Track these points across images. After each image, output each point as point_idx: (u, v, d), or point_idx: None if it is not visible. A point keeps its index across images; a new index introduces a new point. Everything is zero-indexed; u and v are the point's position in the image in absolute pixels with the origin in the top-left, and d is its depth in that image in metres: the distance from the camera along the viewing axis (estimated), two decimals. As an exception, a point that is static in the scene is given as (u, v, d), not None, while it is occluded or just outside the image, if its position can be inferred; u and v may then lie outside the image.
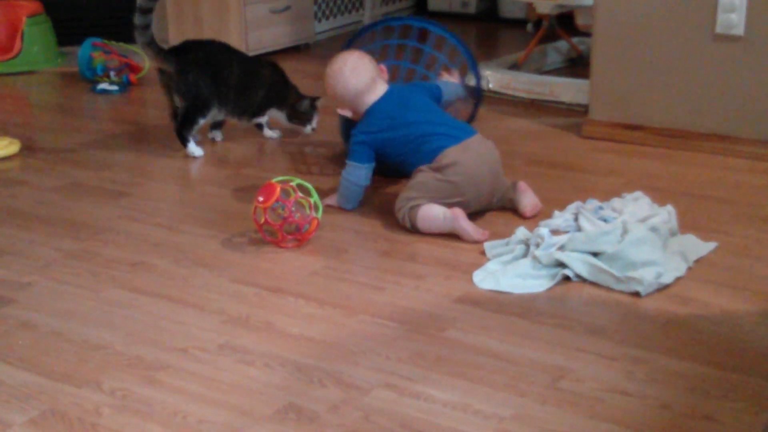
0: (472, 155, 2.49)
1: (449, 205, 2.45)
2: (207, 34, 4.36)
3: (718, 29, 2.93)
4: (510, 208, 2.59)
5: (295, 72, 4.18)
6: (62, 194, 2.81)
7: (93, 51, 3.97)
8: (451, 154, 2.48)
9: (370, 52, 2.72)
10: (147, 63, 4.05)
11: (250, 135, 3.38)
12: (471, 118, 3.07)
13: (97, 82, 3.93)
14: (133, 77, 3.97)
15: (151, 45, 3.04)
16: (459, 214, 2.42)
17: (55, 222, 2.61)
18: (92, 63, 3.96)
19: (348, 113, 2.65)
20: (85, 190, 2.84)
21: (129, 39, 4.46)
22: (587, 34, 3.87)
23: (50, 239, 2.49)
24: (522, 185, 2.58)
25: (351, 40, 3.04)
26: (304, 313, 2.09)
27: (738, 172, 2.87)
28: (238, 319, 2.06)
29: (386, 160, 2.63)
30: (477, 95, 3.11)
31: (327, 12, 4.79)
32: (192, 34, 4.39)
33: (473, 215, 2.50)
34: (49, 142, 3.28)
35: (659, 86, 3.08)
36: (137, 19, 2.99)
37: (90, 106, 3.81)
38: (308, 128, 3.22)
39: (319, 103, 3.22)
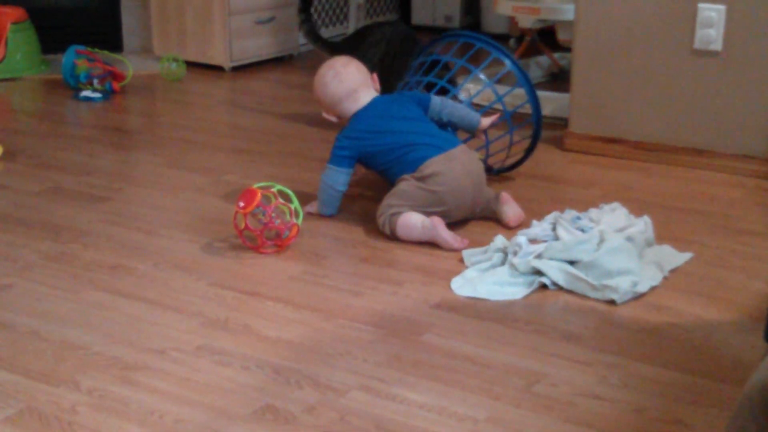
0: (455, 166, 2.51)
1: (429, 214, 2.47)
2: (191, 44, 4.38)
3: (697, 44, 2.97)
4: (493, 218, 2.61)
5: (279, 83, 4.21)
6: (43, 198, 2.81)
7: (77, 58, 3.98)
8: (434, 164, 2.50)
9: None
10: (130, 71, 4.06)
11: (232, 141, 3.40)
12: (529, 151, 2.96)
13: (80, 90, 3.93)
14: (116, 85, 3.98)
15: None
16: (438, 222, 2.44)
17: (36, 225, 2.61)
18: (76, 70, 3.96)
19: (333, 118, 2.68)
20: (66, 194, 2.85)
21: (113, 47, 4.49)
22: (568, 49, 3.91)
23: (30, 242, 2.50)
24: (505, 196, 2.61)
25: (427, 46, 3.06)
26: (282, 317, 2.10)
27: (714, 185, 2.91)
28: (216, 322, 2.07)
29: (371, 169, 2.66)
30: (535, 127, 2.93)
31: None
32: (176, 44, 4.41)
33: (454, 224, 2.53)
34: (31, 147, 3.28)
35: (638, 100, 3.11)
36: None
37: (72, 113, 3.81)
38: None
39: None
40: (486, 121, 2.74)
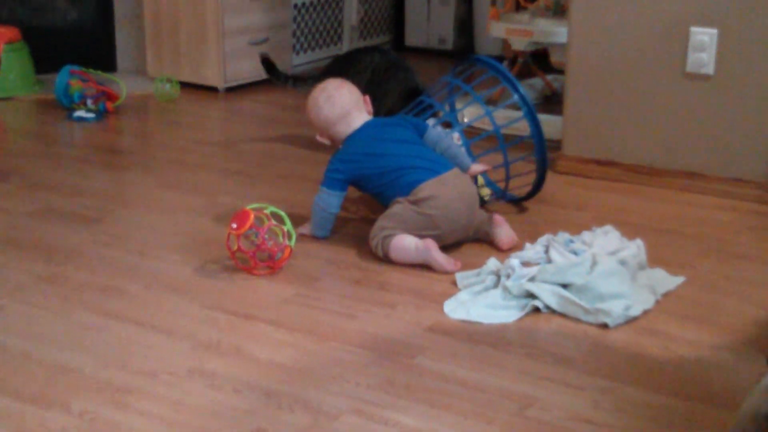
0: (448, 189, 2.52)
1: (423, 237, 2.47)
2: (185, 64, 4.38)
3: (689, 68, 2.99)
4: (486, 240, 2.61)
5: (273, 104, 4.22)
6: (35, 219, 2.81)
7: (70, 78, 3.98)
8: (428, 187, 2.51)
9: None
10: (124, 91, 4.07)
11: (226, 162, 3.40)
12: (537, 187, 2.88)
13: (74, 110, 3.93)
14: (109, 105, 3.97)
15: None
16: (431, 245, 2.44)
17: (28, 246, 2.60)
18: (69, 90, 3.96)
19: (326, 141, 2.68)
20: (59, 215, 2.84)
21: (107, 67, 4.50)
22: (561, 72, 3.92)
23: (22, 263, 2.49)
24: (498, 218, 2.61)
25: (456, 67, 3.02)
26: (274, 340, 2.10)
27: (706, 208, 2.91)
28: (208, 345, 2.07)
29: (364, 191, 2.66)
30: (540, 163, 2.86)
31: (305, 45, 4.83)
32: (170, 65, 4.42)
33: (446, 246, 2.52)
34: (24, 167, 3.28)
35: (631, 123, 3.12)
36: None
37: (66, 133, 3.81)
38: None
39: None
40: (476, 168, 2.71)
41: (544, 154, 2.83)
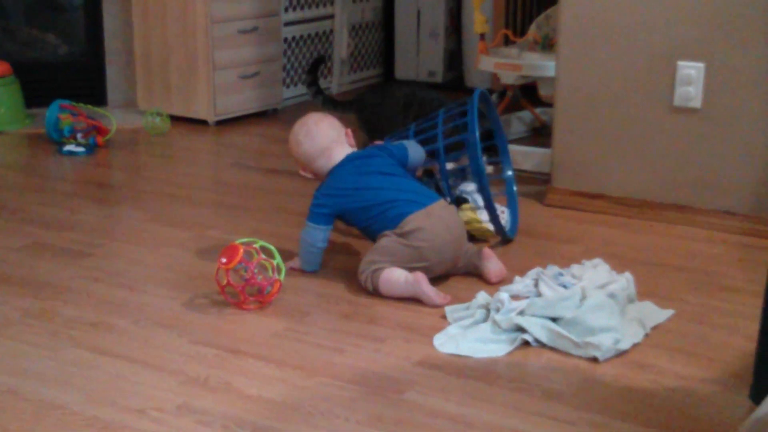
0: (435, 221, 2.52)
1: (412, 270, 2.47)
2: (175, 98, 4.40)
3: (676, 102, 3.01)
4: (475, 274, 2.61)
5: (263, 137, 4.23)
6: (24, 254, 2.80)
7: (61, 113, 3.98)
8: (414, 219, 2.51)
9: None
10: (114, 125, 4.07)
11: (216, 196, 3.40)
12: (511, 230, 2.90)
13: (64, 144, 3.94)
14: (100, 139, 3.98)
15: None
16: (421, 278, 2.44)
17: (16, 281, 2.60)
18: (59, 125, 3.97)
19: (309, 175, 2.69)
20: (48, 250, 2.84)
21: (97, 101, 4.51)
22: (550, 105, 3.94)
23: (10, 298, 2.48)
24: (487, 251, 2.61)
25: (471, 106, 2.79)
26: (263, 375, 2.09)
27: (695, 241, 2.92)
28: (196, 380, 2.06)
29: (351, 225, 2.66)
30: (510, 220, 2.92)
31: (295, 78, 4.85)
32: (160, 98, 4.43)
33: (436, 279, 2.53)
34: (14, 201, 3.28)
35: (619, 156, 3.14)
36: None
37: (56, 168, 3.81)
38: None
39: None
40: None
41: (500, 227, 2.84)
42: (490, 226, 2.83)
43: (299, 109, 4.64)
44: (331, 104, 3.68)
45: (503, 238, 2.87)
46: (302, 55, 4.87)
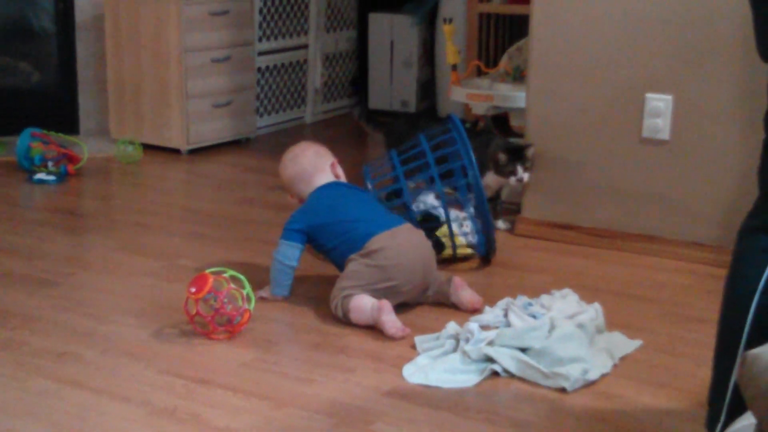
0: (400, 241, 2.55)
1: (381, 291, 2.47)
2: (148, 127, 4.39)
3: (645, 133, 3.04)
4: (446, 303, 2.61)
5: (236, 166, 4.23)
6: (-8, 283, 2.78)
7: (32, 141, 3.97)
8: (379, 240, 2.54)
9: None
10: (86, 154, 4.06)
11: (187, 225, 3.39)
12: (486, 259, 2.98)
13: (35, 172, 3.92)
14: (71, 168, 3.96)
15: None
16: (385, 306, 2.44)
17: (-17, 310, 2.58)
18: (30, 153, 3.95)
19: (295, 201, 2.74)
20: (16, 278, 2.82)
21: (69, 129, 4.49)
22: (521, 135, 3.97)
23: (-23, 328, 2.46)
24: (458, 280, 2.61)
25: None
26: (231, 406, 2.08)
27: (664, 271, 2.94)
28: (164, 411, 2.05)
29: (320, 250, 2.67)
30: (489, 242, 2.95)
31: (269, 107, 4.86)
32: (133, 127, 4.42)
33: (405, 307, 2.53)
34: (-18, 230, 3.26)
35: (589, 187, 3.16)
36: None
37: (26, 196, 3.79)
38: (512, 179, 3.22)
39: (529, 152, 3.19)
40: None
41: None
42: (467, 249, 2.94)
43: (273, 139, 4.66)
44: (373, 123, 3.98)
45: (487, 255, 2.95)
46: (276, 85, 4.89)
